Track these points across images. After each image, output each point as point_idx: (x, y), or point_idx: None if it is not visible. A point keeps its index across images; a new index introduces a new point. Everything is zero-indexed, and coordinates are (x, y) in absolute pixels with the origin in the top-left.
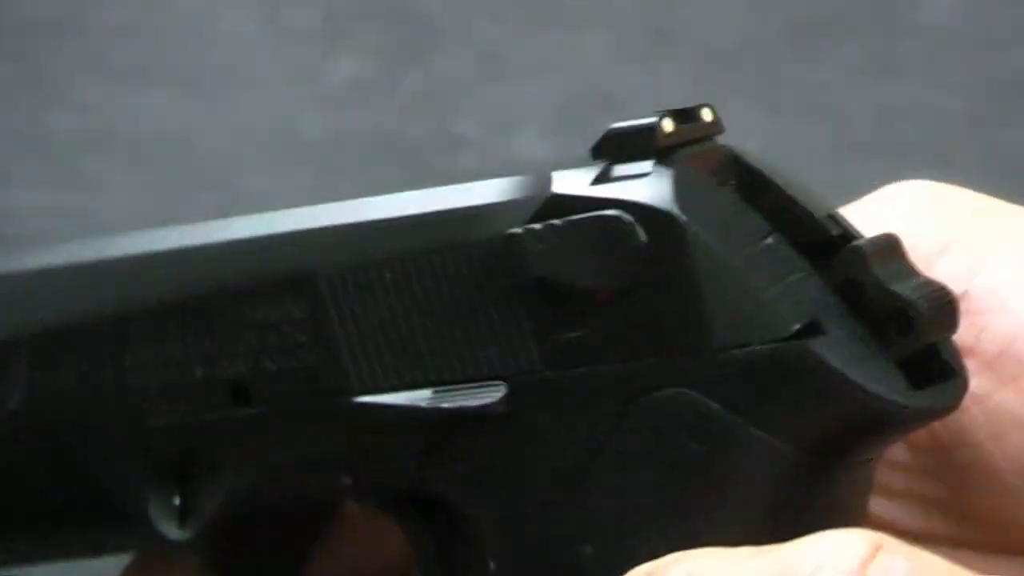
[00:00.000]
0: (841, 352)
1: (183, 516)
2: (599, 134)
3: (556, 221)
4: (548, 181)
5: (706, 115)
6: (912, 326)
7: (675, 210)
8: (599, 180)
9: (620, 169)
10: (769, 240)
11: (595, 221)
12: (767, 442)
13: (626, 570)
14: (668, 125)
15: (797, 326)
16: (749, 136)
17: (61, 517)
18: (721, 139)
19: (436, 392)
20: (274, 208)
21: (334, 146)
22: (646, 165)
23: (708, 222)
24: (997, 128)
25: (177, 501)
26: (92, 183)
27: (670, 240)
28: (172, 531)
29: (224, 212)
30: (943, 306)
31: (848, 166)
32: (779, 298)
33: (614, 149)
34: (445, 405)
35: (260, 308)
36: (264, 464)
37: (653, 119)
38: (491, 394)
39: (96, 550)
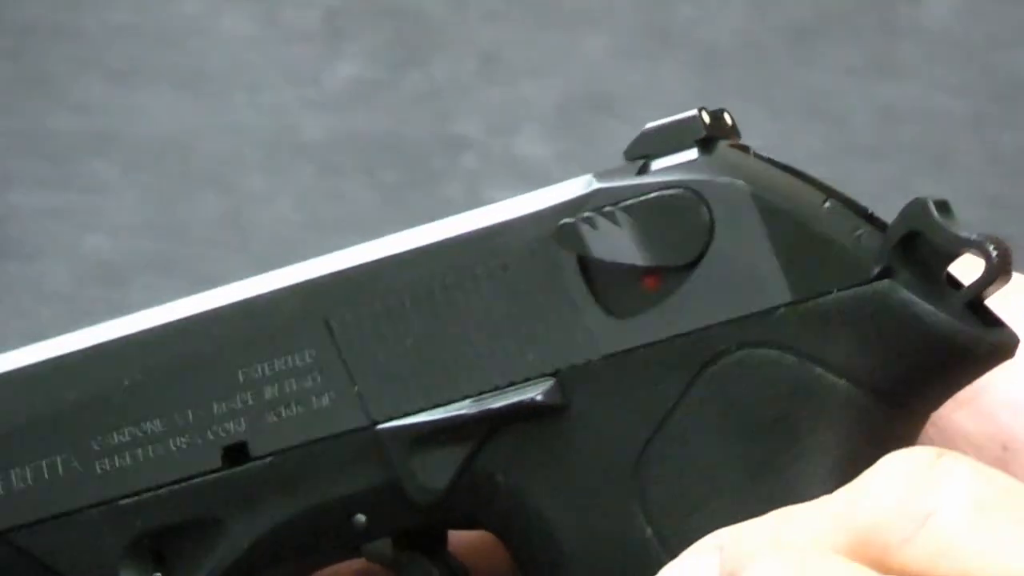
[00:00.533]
0: (920, 292)
1: None
2: (597, 134)
3: (609, 208)
4: (587, 182)
5: (727, 119)
6: (990, 260)
7: (735, 180)
8: (641, 173)
9: (661, 162)
10: (828, 204)
11: (654, 202)
12: (846, 388)
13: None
14: (706, 117)
15: (876, 269)
16: (749, 137)
17: None
18: None
19: (476, 400)
20: (277, 208)
21: (335, 146)
22: (691, 153)
23: (768, 188)
24: (998, 130)
25: None
26: (93, 184)
27: (734, 207)
28: None
29: (226, 213)
30: (1004, 252)
31: (848, 167)
32: (854, 246)
33: (652, 145)
34: (495, 405)
35: (255, 366)
36: (264, 519)
37: (691, 113)
38: (541, 387)
39: None
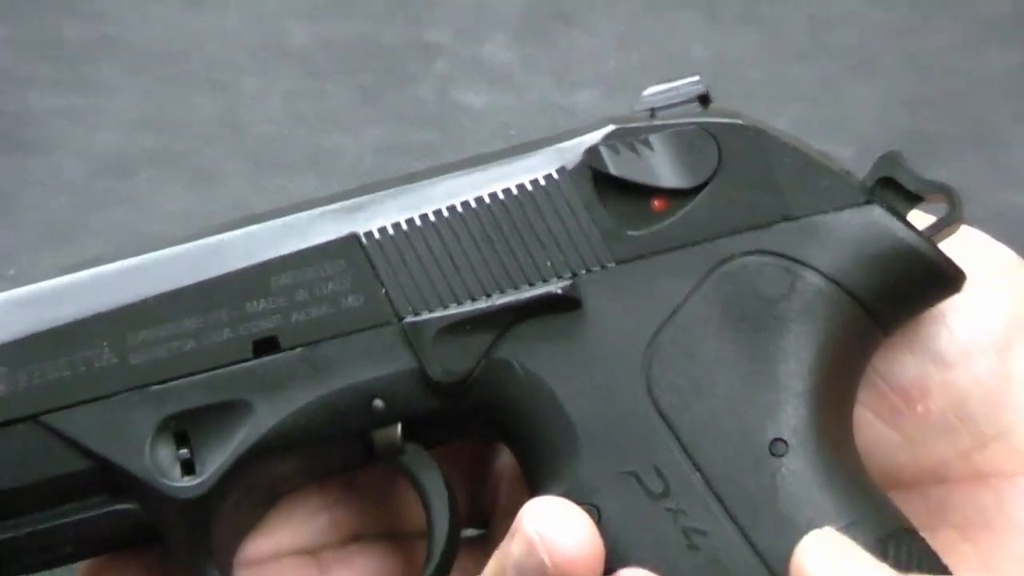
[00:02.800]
0: (900, 219)
1: (189, 468)
2: (559, 41)
3: (629, 138)
4: (606, 122)
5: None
6: (953, 205)
7: (739, 119)
8: (652, 119)
9: (667, 113)
10: (816, 148)
11: (669, 134)
12: (832, 291)
13: (699, 422)
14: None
15: (863, 198)
16: (694, 43)
17: (65, 498)
18: (668, 42)
19: (499, 296)
20: (267, 107)
21: (318, 51)
22: (693, 107)
23: (768, 128)
24: (918, 37)
25: (183, 454)
26: (101, 86)
27: (739, 140)
28: (179, 481)
29: (221, 112)
30: (961, 200)
31: (782, 70)
32: (844, 176)
33: (658, 101)
34: (519, 297)
35: (288, 273)
36: (289, 402)
37: (693, 78)
38: (560, 284)
39: (102, 533)
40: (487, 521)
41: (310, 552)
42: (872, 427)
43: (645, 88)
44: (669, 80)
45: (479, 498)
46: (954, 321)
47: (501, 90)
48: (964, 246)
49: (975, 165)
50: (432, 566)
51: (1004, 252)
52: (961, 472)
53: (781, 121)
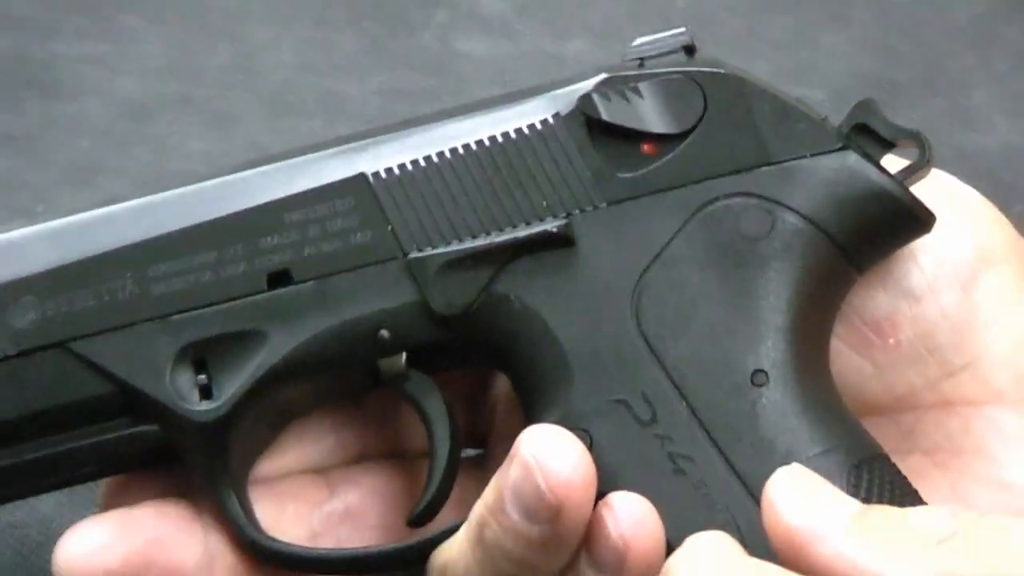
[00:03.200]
0: (874, 163)
1: (207, 393)
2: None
3: (620, 86)
4: (598, 71)
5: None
6: (924, 150)
7: (723, 68)
8: (641, 68)
9: (655, 62)
10: (795, 96)
11: (657, 83)
12: (810, 230)
13: (684, 353)
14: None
15: (839, 144)
16: None
17: (90, 420)
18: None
19: (498, 234)
20: (280, 55)
21: (327, 4)
22: (680, 57)
23: (750, 77)
24: None
25: (201, 379)
26: (125, 35)
27: (723, 89)
28: (197, 405)
29: (236, 59)
30: (931, 146)
31: (758, 19)
32: (822, 123)
33: (645, 51)
34: (517, 235)
35: (300, 211)
36: (302, 331)
37: (679, 29)
38: (555, 223)
39: (123, 453)
40: (485, 442)
41: (319, 471)
42: (847, 358)
43: (631, 37)
44: (655, 31)
45: (477, 421)
46: (923, 258)
47: (497, 39)
48: (932, 188)
49: (939, 109)
50: (434, 484)
51: (969, 192)
52: (930, 400)
53: (758, 68)
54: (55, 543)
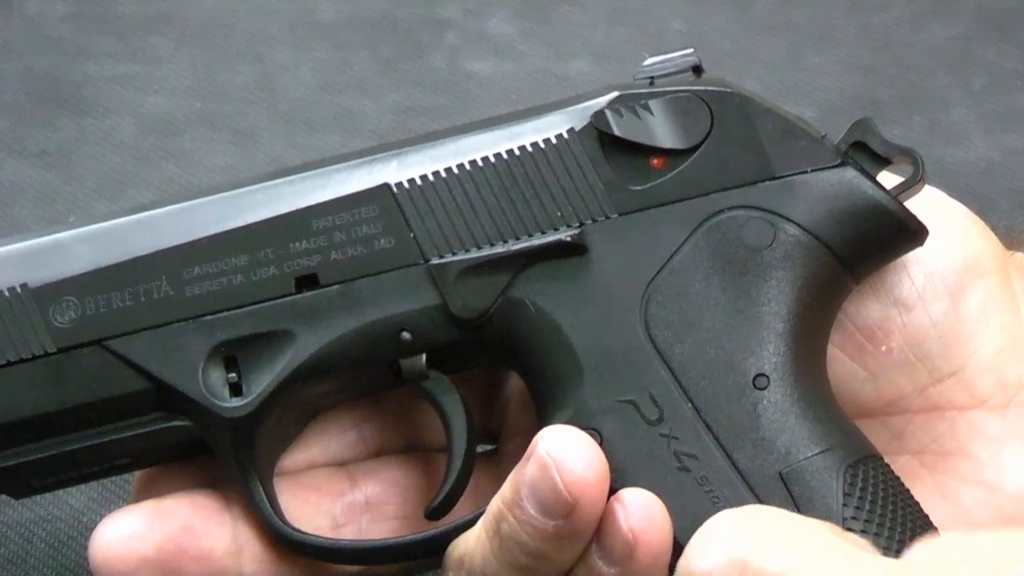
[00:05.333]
0: (871, 179)
1: (237, 390)
2: (555, 17)
3: (631, 103)
4: (610, 90)
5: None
6: (917, 167)
7: (729, 87)
8: (651, 87)
9: (664, 81)
10: (794, 114)
11: (667, 101)
12: (810, 241)
13: (690, 356)
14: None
15: (838, 160)
16: (673, 18)
17: (125, 414)
18: (651, 17)
19: (514, 242)
20: (299, 75)
21: (344, 26)
22: (688, 76)
23: (754, 96)
24: (870, 11)
25: (232, 377)
26: (153, 57)
27: (729, 107)
28: (228, 401)
29: (258, 79)
30: (923, 163)
31: (750, 42)
32: (822, 140)
33: (655, 71)
34: (532, 243)
35: (327, 217)
36: (328, 332)
37: (688, 50)
38: (568, 232)
39: (157, 446)
40: (497, 438)
41: (340, 464)
42: (842, 363)
43: (631, 58)
44: (653, 52)
45: (491, 418)
46: (914, 270)
47: (504, 60)
48: (922, 201)
49: (920, 125)
50: (451, 478)
51: (956, 206)
52: (918, 404)
53: (750, 86)
54: (86, 537)
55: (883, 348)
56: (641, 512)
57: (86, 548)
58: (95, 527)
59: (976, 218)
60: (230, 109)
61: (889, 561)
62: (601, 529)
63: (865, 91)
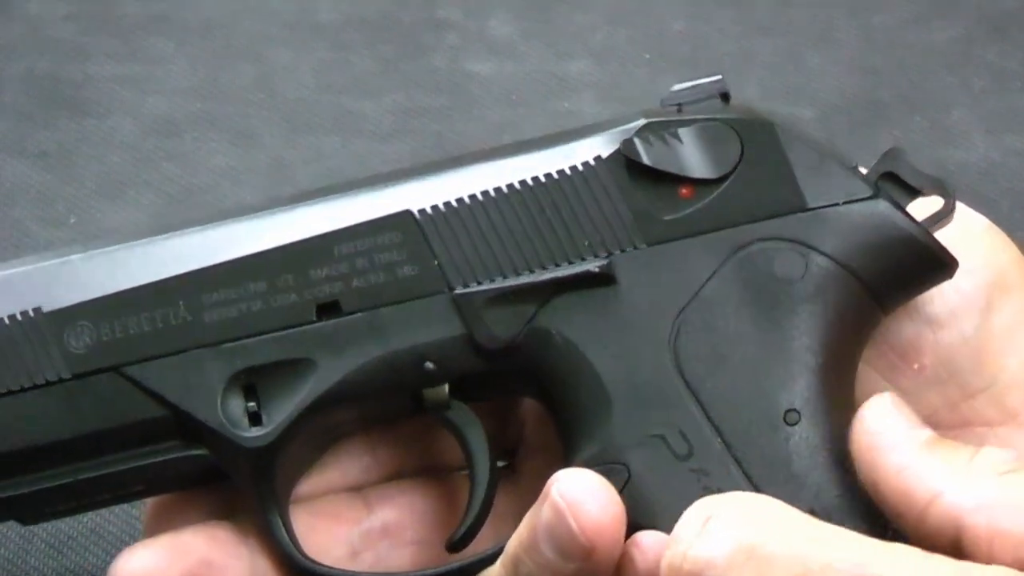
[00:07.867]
0: (902, 211)
1: (256, 419)
2: (554, 17)
3: (660, 131)
4: (636, 116)
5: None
6: (948, 198)
7: (760, 116)
8: (680, 114)
9: (692, 108)
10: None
11: (696, 129)
12: (842, 273)
13: (720, 390)
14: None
15: (870, 192)
16: (673, 19)
17: (142, 442)
18: (651, 18)
19: (540, 272)
20: (299, 75)
21: (344, 26)
22: (716, 103)
23: (784, 123)
24: (870, 12)
25: (251, 406)
26: (153, 57)
27: (761, 136)
28: (247, 431)
29: (258, 80)
30: (955, 195)
31: (751, 42)
32: (854, 172)
33: (683, 97)
34: (559, 274)
35: (350, 244)
36: (350, 361)
37: (716, 77)
38: (596, 263)
39: (172, 474)
40: (513, 452)
41: (355, 489)
42: (875, 382)
43: (631, 58)
44: (654, 51)
45: (507, 434)
46: (945, 287)
47: (504, 60)
48: None
49: (920, 126)
50: (473, 511)
51: (979, 219)
52: (949, 420)
53: (750, 87)
54: (86, 537)
55: (915, 366)
56: (657, 555)
57: (86, 549)
58: (95, 527)
59: (997, 229)
60: (230, 110)
61: (899, 547)
62: (620, 569)
63: (865, 92)
